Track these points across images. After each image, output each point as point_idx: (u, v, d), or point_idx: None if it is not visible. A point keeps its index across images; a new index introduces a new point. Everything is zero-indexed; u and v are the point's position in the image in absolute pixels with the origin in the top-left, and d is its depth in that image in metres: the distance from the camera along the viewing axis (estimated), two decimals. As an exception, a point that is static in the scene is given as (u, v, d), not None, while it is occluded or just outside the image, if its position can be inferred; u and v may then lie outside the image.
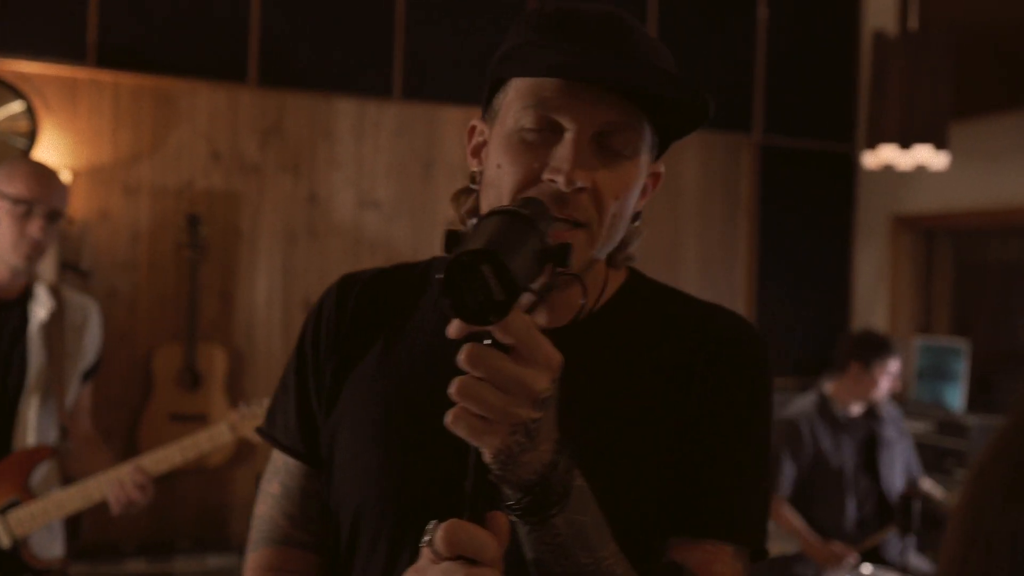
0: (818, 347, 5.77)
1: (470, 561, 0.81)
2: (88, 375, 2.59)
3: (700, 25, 5.60)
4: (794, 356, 5.76)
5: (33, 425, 2.41)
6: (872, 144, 4.71)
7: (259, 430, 1.19)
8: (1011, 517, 1.39)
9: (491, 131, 1.05)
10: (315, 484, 1.12)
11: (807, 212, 5.85)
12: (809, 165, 5.83)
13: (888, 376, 3.94)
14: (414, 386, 1.07)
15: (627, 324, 1.10)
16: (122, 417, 4.50)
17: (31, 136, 4.15)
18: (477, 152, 1.09)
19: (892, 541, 3.95)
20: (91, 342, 2.58)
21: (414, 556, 0.87)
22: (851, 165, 5.89)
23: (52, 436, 2.46)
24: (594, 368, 1.05)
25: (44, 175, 2.37)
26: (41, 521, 2.37)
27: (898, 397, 4.70)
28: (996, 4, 5.01)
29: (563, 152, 0.97)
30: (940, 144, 4.56)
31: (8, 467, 2.37)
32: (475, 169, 1.09)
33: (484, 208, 1.05)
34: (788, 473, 3.92)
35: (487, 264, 0.75)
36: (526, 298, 0.81)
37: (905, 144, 4.57)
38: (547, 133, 0.99)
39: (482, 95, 1.09)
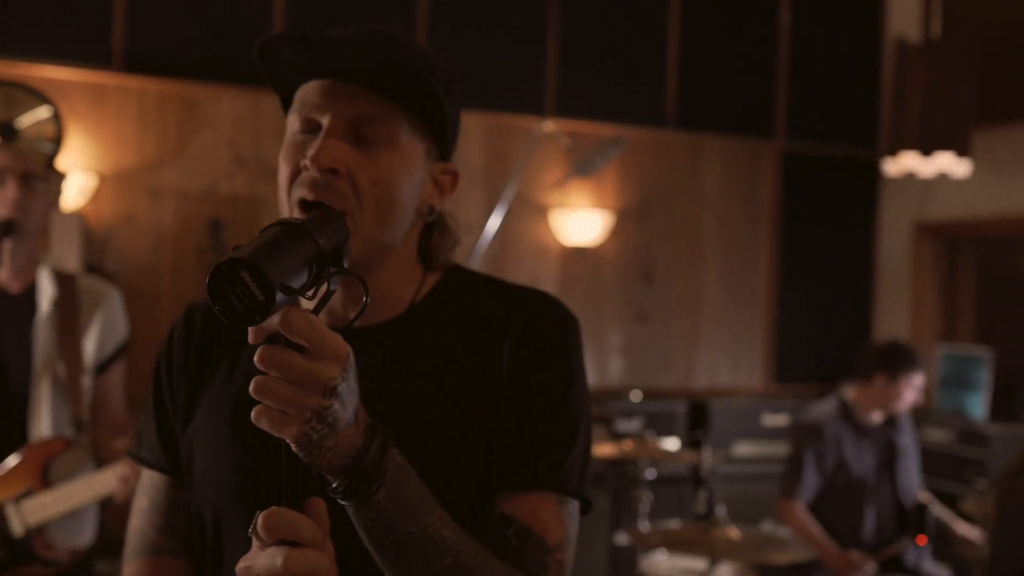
0: (839, 355, 5.75)
1: (291, 544, 0.90)
2: (108, 364, 2.59)
3: (723, 32, 5.60)
4: (815, 363, 5.75)
5: (48, 416, 2.44)
6: (893, 151, 4.71)
7: (128, 453, 1.28)
8: None
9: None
10: (180, 494, 1.22)
11: (829, 219, 5.84)
12: (831, 172, 5.82)
13: (913, 390, 3.92)
14: (253, 399, 1.15)
15: (442, 315, 1.19)
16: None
17: (57, 141, 4.22)
18: None
19: (909, 549, 3.93)
20: (108, 329, 2.58)
21: None
22: (874, 172, 5.86)
23: (67, 428, 2.48)
24: (413, 357, 1.15)
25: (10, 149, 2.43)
26: (52, 511, 2.40)
27: (920, 407, 4.66)
28: (1021, 9, 4.97)
29: (316, 141, 1.07)
30: (962, 151, 4.55)
31: (25, 457, 2.41)
32: None
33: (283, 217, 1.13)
34: (810, 478, 3.91)
35: (244, 270, 0.83)
36: (297, 298, 0.88)
37: (926, 151, 4.57)
38: (311, 133, 1.10)
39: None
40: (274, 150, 4.79)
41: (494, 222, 4.06)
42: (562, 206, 5.30)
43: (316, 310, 0.93)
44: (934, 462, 4.79)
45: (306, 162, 1.06)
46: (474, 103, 5.12)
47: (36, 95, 4.20)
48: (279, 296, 0.84)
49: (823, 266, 5.83)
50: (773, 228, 5.76)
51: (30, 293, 2.48)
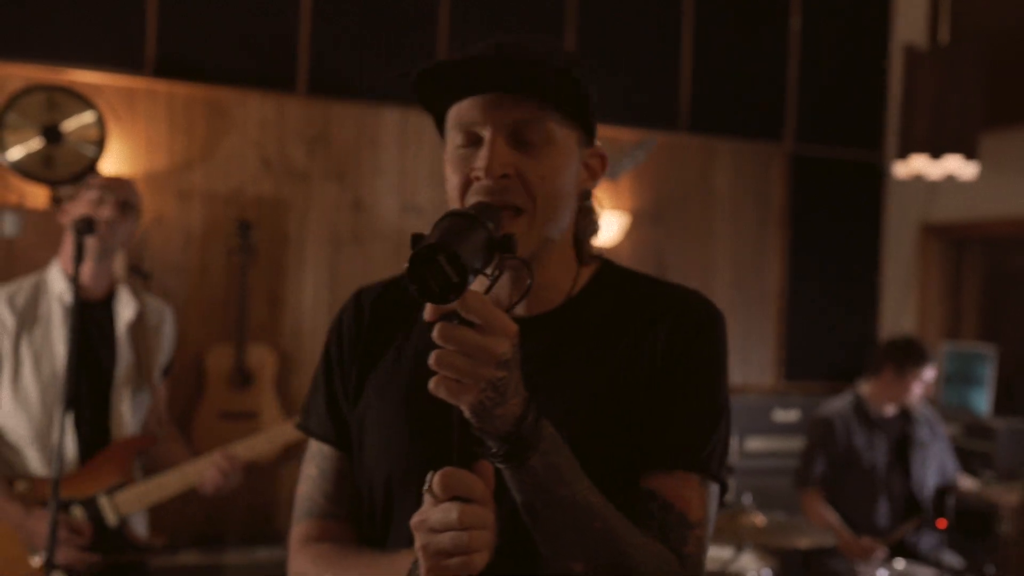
0: (848, 353, 5.87)
1: (463, 500, 1.01)
2: (165, 372, 2.77)
3: (734, 36, 5.73)
4: (824, 362, 5.86)
5: (128, 418, 2.61)
6: (903, 154, 4.83)
7: (297, 424, 1.41)
8: None
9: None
10: (345, 466, 1.33)
11: (837, 220, 5.96)
12: (839, 174, 5.94)
13: (920, 383, 4.07)
14: (426, 373, 1.27)
15: (599, 306, 1.29)
16: (175, 415, 4.64)
17: (101, 144, 4.32)
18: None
19: (926, 536, 4.07)
20: (167, 341, 2.79)
21: None
22: (880, 174, 5.99)
23: (149, 427, 2.69)
24: (570, 347, 1.25)
25: (111, 179, 2.64)
26: (144, 502, 2.56)
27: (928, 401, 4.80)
28: (1025, 17, 5.12)
29: (482, 152, 1.18)
30: (970, 154, 4.68)
31: (113, 453, 2.56)
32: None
33: None
34: (820, 468, 4.06)
35: (442, 254, 0.94)
36: (480, 280, 1.00)
37: (935, 154, 4.69)
38: (474, 146, 1.20)
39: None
40: (299, 153, 4.93)
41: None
42: (578, 207, 5.41)
43: (487, 291, 1.03)
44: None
45: (478, 172, 1.17)
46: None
47: (80, 99, 4.30)
48: (470, 279, 0.96)
49: (831, 266, 5.94)
50: (783, 229, 5.88)
51: (108, 303, 2.65)
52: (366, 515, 1.31)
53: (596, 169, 1.30)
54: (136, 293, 2.71)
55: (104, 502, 2.51)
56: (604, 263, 1.35)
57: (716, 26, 5.67)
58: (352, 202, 5.06)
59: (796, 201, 5.88)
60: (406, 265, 0.96)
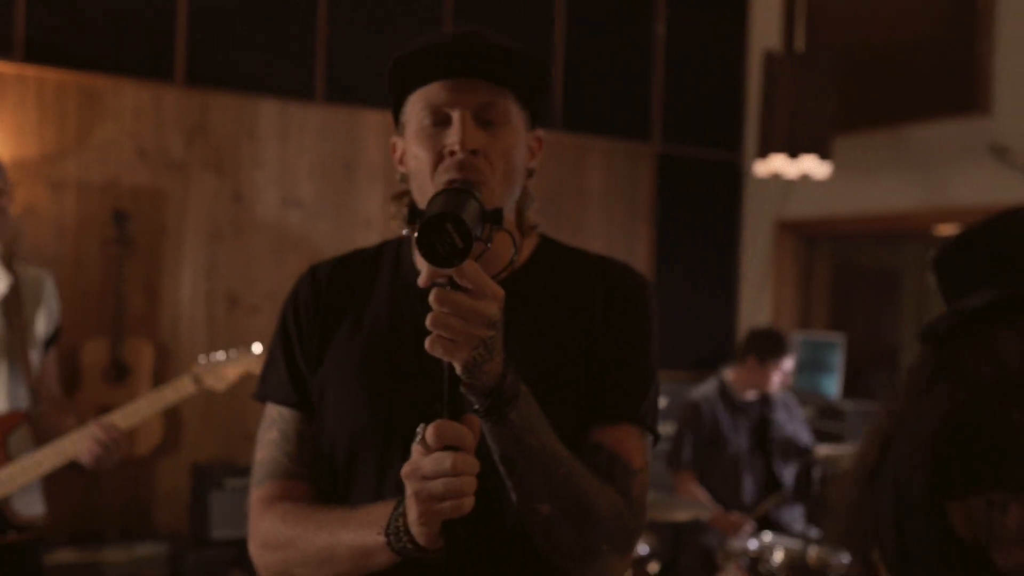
0: (710, 343, 6.16)
1: (454, 449, 1.09)
2: (48, 344, 2.67)
3: (603, 39, 5.92)
4: (688, 351, 6.10)
5: (3, 392, 2.51)
6: (763, 153, 5.13)
7: (254, 396, 1.48)
8: (871, 490, 1.72)
9: (405, 138, 1.37)
10: (307, 427, 1.40)
11: (699, 217, 6.23)
12: (702, 173, 6.22)
13: (780, 372, 4.36)
14: (383, 339, 1.41)
15: (542, 275, 1.42)
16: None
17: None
18: (402, 160, 1.40)
19: (787, 511, 4.37)
20: (48, 311, 2.66)
21: (399, 468, 1.14)
22: (739, 173, 6.29)
23: (24, 402, 2.55)
24: (522, 310, 1.33)
25: None
26: (20, 481, 2.46)
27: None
28: (878, 27, 5.51)
29: (455, 129, 1.29)
30: (824, 154, 5.02)
31: None
32: (402, 171, 1.40)
33: (417, 196, 1.35)
34: (688, 450, 4.32)
35: (449, 222, 1.04)
36: (478, 246, 1.10)
37: (793, 154, 5.01)
38: (442, 125, 1.31)
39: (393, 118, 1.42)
40: (177, 144, 4.87)
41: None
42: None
43: (477, 259, 1.13)
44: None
45: (454, 147, 1.29)
46: (374, 101, 5.27)
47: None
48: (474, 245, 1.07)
49: (694, 260, 6.20)
50: (650, 225, 6.12)
51: None
52: (327, 474, 1.39)
53: (535, 150, 1.42)
54: (9, 263, 2.60)
55: None
56: (543, 238, 1.49)
57: (587, 28, 5.84)
58: (232, 194, 5.03)
59: (662, 198, 6.12)
60: (414, 234, 1.06)
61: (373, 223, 5.30)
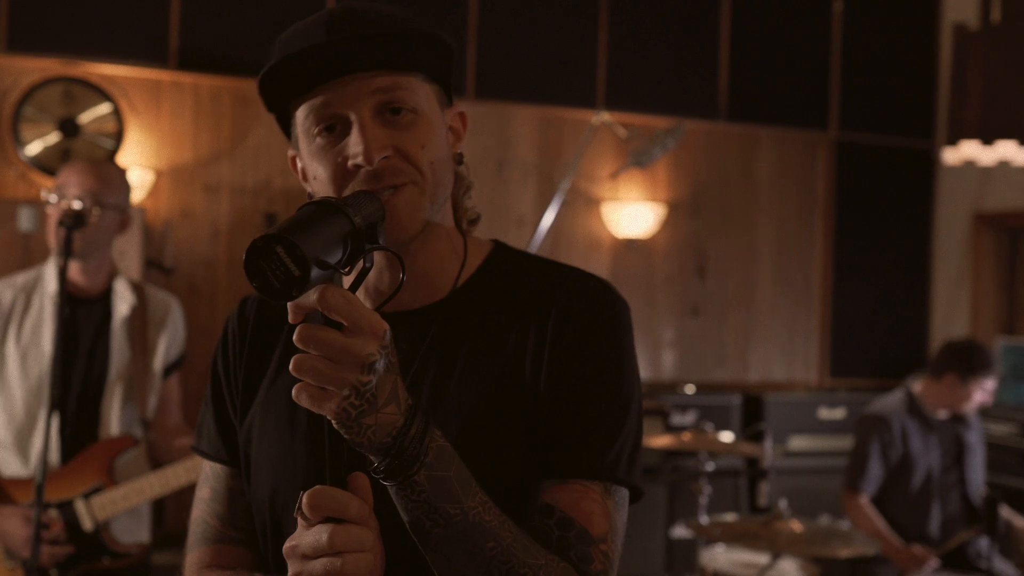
0: (897, 349, 5.73)
1: (336, 521, 0.93)
2: (171, 369, 2.67)
3: (774, 21, 5.58)
4: (872, 357, 5.70)
5: (117, 417, 2.52)
6: (953, 140, 4.68)
7: (191, 447, 1.31)
8: None
9: (301, 155, 1.15)
10: (240, 484, 1.24)
11: (885, 210, 5.80)
12: (887, 162, 5.78)
13: (982, 392, 3.88)
14: None
15: (487, 295, 1.18)
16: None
17: (118, 137, 4.28)
18: (305, 176, 1.17)
19: (975, 545, 3.88)
20: (173, 337, 2.66)
21: None
22: (930, 161, 5.82)
23: (135, 428, 2.56)
24: (458, 340, 1.14)
25: (82, 176, 2.44)
26: (122, 506, 2.45)
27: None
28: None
29: (354, 137, 1.07)
30: (1024, 139, 4.50)
31: (93, 455, 2.47)
32: (309, 191, 1.17)
33: None
34: (875, 471, 3.88)
35: (279, 245, 0.85)
36: (337, 276, 0.91)
37: (987, 140, 4.55)
38: (339, 131, 1.09)
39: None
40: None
41: (548, 215, 4.05)
42: (614, 199, 5.29)
43: (353, 287, 0.94)
44: (998, 457, 4.72)
45: (357, 160, 1.06)
46: (526, 96, 5.12)
47: (97, 91, 4.26)
48: (315, 272, 0.86)
49: (879, 258, 5.79)
50: (827, 220, 5.73)
51: (105, 298, 2.56)
52: (260, 534, 1.22)
53: (459, 130, 1.21)
54: (136, 287, 2.61)
55: (80, 506, 2.44)
56: (496, 247, 1.25)
57: (755, 10, 5.52)
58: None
59: (842, 190, 5.73)
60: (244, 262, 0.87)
61: (525, 221, 5.14)
